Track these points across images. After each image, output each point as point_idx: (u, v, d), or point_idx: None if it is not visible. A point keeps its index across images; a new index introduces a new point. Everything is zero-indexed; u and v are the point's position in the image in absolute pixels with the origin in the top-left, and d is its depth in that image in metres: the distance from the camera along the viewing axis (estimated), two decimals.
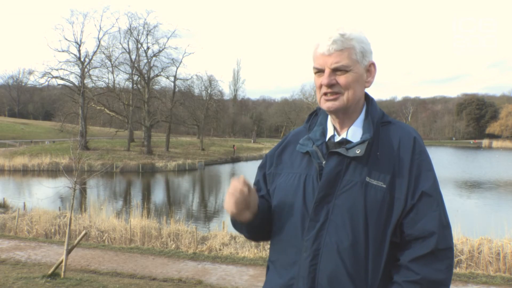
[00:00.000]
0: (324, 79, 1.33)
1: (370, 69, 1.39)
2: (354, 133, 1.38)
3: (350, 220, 1.28)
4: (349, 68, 1.32)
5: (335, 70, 1.33)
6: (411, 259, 1.26)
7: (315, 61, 1.37)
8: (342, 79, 1.33)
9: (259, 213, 1.42)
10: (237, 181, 1.35)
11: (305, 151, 1.42)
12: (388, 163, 1.31)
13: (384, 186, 1.29)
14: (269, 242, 1.52)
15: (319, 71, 1.36)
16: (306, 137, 1.46)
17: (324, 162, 1.36)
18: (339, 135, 1.41)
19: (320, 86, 1.37)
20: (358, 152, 1.31)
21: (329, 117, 1.46)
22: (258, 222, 1.44)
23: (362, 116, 1.41)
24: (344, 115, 1.39)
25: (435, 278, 1.24)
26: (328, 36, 1.33)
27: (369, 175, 1.30)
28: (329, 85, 1.34)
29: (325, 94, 1.36)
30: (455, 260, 8.04)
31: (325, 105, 1.37)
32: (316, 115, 1.52)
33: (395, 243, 1.30)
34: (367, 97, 1.45)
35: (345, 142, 1.38)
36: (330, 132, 1.43)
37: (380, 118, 1.40)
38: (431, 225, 1.26)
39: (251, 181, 1.48)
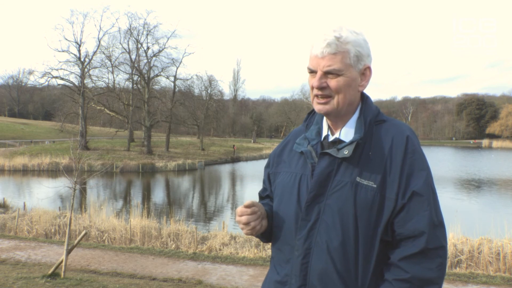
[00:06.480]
0: (315, 81, 1.34)
1: (365, 73, 1.38)
2: (347, 133, 1.39)
3: (340, 220, 1.30)
4: (341, 72, 1.32)
5: (327, 73, 1.33)
6: (401, 258, 1.27)
7: (309, 61, 1.37)
8: (333, 82, 1.33)
9: (269, 218, 1.48)
10: (241, 208, 1.39)
11: (300, 150, 1.44)
12: (380, 162, 1.31)
13: (375, 186, 1.29)
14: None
15: (312, 72, 1.37)
16: (302, 136, 1.47)
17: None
18: (333, 134, 1.42)
19: (313, 87, 1.37)
20: (346, 153, 1.32)
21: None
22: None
23: (355, 115, 1.41)
24: (336, 117, 1.40)
25: (426, 276, 1.25)
26: (323, 38, 1.31)
27: (359, 175, 1.31)
28: (320, 88, 1.35)
29: (317, 96, 1.37)
30: (455, 260, 8.04)
31: (316, 107, 1.39)
32: (313, 114, 1.53)
33: (388, 242, 1.31)
34: (363, 95, 1.44)
35: (338, 142, 1.38)
36: (324, 131, 1.44)
37: (375, 117, 1.40)
38: (421, 225, 1.26)
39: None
